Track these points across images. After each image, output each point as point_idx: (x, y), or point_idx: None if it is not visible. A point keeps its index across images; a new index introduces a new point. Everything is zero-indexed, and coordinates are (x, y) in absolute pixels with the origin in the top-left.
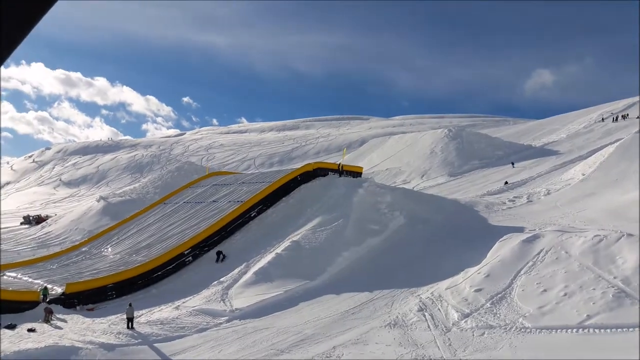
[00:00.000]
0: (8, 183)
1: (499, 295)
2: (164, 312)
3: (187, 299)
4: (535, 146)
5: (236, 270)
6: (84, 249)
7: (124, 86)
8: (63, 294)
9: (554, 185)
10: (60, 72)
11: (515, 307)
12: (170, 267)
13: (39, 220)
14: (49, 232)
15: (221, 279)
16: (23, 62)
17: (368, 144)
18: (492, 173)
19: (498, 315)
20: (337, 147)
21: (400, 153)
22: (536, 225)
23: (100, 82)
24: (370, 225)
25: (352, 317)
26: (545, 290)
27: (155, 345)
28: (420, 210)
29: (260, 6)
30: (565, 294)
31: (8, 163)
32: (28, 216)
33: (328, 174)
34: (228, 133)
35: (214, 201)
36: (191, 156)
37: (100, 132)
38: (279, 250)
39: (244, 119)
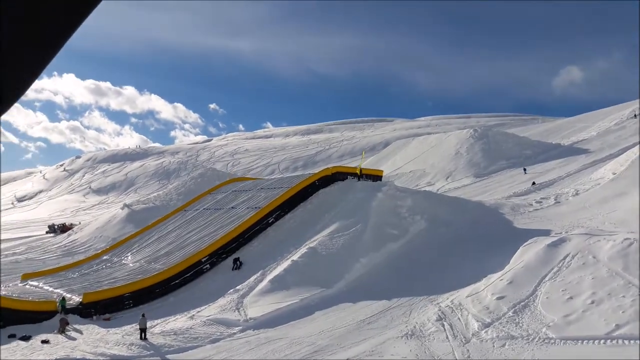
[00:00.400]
0: (40, 191)
1: (522, 303)
2: (179, 321)
3: (202, 307)
4: (564, 145)
5: (252, 278)
6: (105, 257)
7: (152, 94)
8: (80, 303)
9: (583, 185)
10: (90, 82)
11: (539, 315)
12: (188, 275)
13: (63, 229)
14: (75, 240)
15: (237, 287)
16: (55, 73)
17: (391, 146)
18: (519, 173)
19: (520, 324)
20: (361, 150)
21: (424, 155)
22: (563, 227)
23: (129, 90)
24: (389, 230)
25: (368, 327)
26: (571, 298)
27: (168, 356)
28: (442, 213)
29: (282, 10)
30: (592, 302)
31: (41, 172)
32: (53, 225)
33: (347, 178)
34: (253, 138)
35: (232, 207)
36: (217, 162)
37: (130, 139)
38: (295, 257)
39: (269, 124)
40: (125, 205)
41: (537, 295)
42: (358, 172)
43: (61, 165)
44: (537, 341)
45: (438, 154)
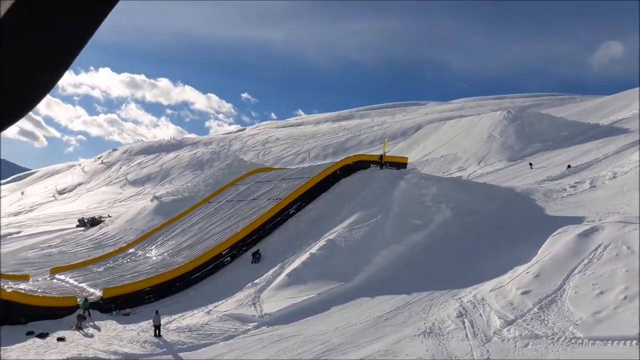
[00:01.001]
0: (80, 184)
1: (549, 299)
2: (195, 317)
3: (220, 302)
4: (602, 125)
5: (271, 272)
6: (130, 251)
7: (186, 86)
8: (101, 298)
9: (621, 167)
10: (125, 76)
11: (566, 312)
12: (209, 267)
13: (93, 222)
14: (106, 232)
15: (255, 281)
16: (92, 68)
17: (422, 130)
18: (554, 156)
19: (546, 322)
20: (392, 135)
21: (456, 139)
22: (597, 214)
23: (163, 82)
24: (412, 220)
25: (384, 323)
26: (601, 293)
27: (180, 354)
28: (469, 201)
29: None
30: (625, 297)
31: (80, 165)
32: (83, 219)
33: (370, 166)
34: (285, 127)
35: (254, 199)
36: (249, 151)
37: (166, 130)
38: (313, 249)
39: (301, 111)
40: (155, 197)
41: (565, 290)
42: (380, 160)
43: (99, 158)
44: (562, 341)
45: (470, 137)
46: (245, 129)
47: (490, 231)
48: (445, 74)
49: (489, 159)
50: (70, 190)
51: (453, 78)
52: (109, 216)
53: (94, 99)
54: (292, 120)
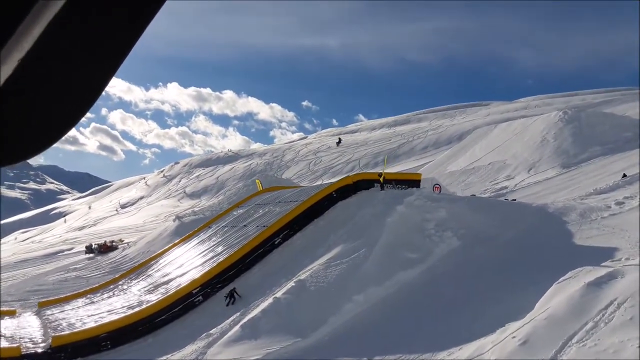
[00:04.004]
0: (142, 197)
1: None
2: None
3: (165, 357)
4: None
5: (230, 319)
6: (120, 283)
7: (249, 97)
8: (50, 347)
9: None
10: (192, 90)
11: None
12: (176, 309)
13: (103, 248)
14: (126, 255)
15: (211, 331)
16: (160, 84)
17: (472, 135)
18: (614, 161)
19: None
20: (447, 140)
21: (506, 144)
22: (636, 246)
23: (228, 94)
24: (405, 254)
25: None
26: None
27: None
28: (485, 225)
29: (367, 3)
30: None
31: (144, 179)
32: (90, 245)
33: (375, 186)
34: (340, 134)
35: (245, 225)
36: (300, 161)
37: (234, 141)
38: (279, 293)
39: (361, 116)
40: (177, 217)
41: None
42: (380, 179)
43: (161, 172)
44: None
45: (522, 142)
46: (307, 137)
47: (501, 267)
48: (510, 71)
49: (540, 166)
50: (132, 204)
51: (518, 75)
52: (122, 241)
53: (165, 112)
54: (351, 127)
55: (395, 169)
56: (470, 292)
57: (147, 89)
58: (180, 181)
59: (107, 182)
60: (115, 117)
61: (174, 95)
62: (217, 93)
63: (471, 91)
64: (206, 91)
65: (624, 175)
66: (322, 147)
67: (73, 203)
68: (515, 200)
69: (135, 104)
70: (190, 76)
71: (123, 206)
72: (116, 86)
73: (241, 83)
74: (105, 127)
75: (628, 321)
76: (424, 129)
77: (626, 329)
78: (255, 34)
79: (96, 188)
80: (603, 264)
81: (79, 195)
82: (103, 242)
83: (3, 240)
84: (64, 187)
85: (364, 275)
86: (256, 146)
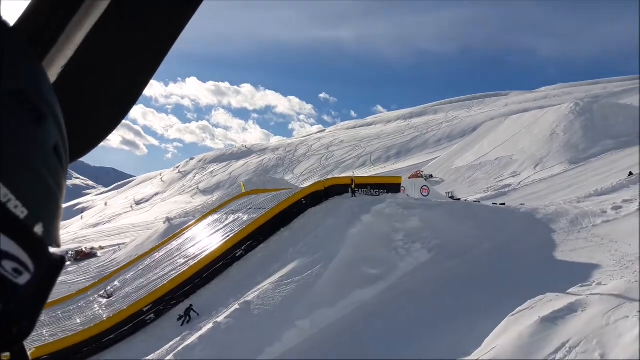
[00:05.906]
0: (157, 194)
1: None
2: None
3: None
4: None
5: (168, 345)
6: (89, 293)
7: (267, 90)
8: None
9: None
10: (211, 84)
11: None
12: (125, 328)
13: (80, 255)
14: (114, 259)
15: (148, 357)
16: (179, 79)
17: (481, 128)
18: (625, 157)
19: None
20: (461, 132)
21: (515, 137)
22: (621, 262)
23: (246, 88)
24: (365, 270)
25: None
26: None
27: None
28: (462, 235)
29: None
30: None
31: (161, 174)
32: (66, 252)
33: (349, 191)
34: (354, 127)
35: (210, 235)
36: (312, 156)
37: (255, 134)
38: (222, 316)
39: (380, 107)
40: (167, 219)
41: None
42: (352, 184)
43: (177, 168)
44: None
45: (531, 135)
46: (325, 129)
47: (467, 284)
48: (530, 59)
49: (547, 161)
50: (147, 201)
51: (538, 63)
52: (101, 247)
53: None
54: (369, 119)
55: (407, 164)
56: (427, 316)
57: (167, 84)
58: (194, 177)
59: (131, 176)
60: (137, 112)
61: (193, 89)
62: (235, 87)
63: (490, 80)
64: (224, 85)
65: (631, 174)
66: (335, 141)
67: (96, 198)
68: (504, 204)
69: (156, 99)
70: (208, 71)
71: (138, 202)
72: None
73: (258, 76)
74: (127, 122)
75: None
76: (438, 121)
77: None
78: (271, 28)
79: (119, 183)
80: (571, 289)
81: (102, 190)
82: (81, 249)
83: None
84: (90, 182)
85: (315, 295)
86: (275, 140)
